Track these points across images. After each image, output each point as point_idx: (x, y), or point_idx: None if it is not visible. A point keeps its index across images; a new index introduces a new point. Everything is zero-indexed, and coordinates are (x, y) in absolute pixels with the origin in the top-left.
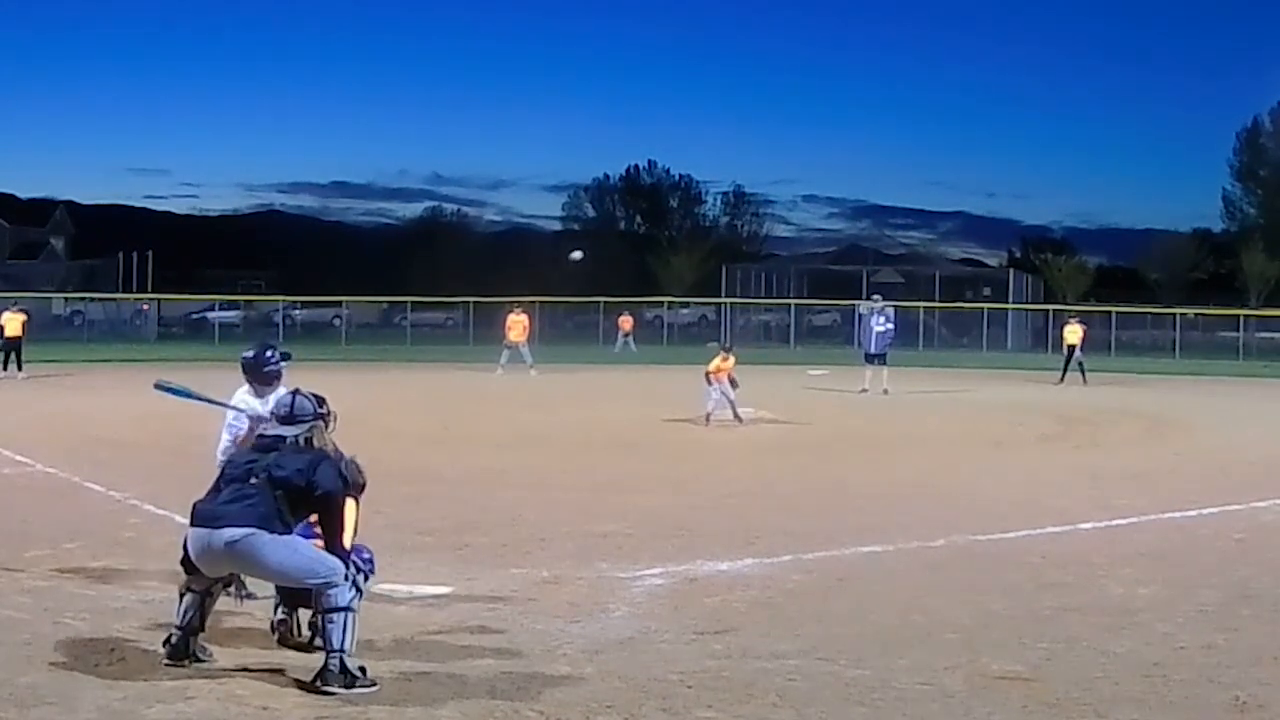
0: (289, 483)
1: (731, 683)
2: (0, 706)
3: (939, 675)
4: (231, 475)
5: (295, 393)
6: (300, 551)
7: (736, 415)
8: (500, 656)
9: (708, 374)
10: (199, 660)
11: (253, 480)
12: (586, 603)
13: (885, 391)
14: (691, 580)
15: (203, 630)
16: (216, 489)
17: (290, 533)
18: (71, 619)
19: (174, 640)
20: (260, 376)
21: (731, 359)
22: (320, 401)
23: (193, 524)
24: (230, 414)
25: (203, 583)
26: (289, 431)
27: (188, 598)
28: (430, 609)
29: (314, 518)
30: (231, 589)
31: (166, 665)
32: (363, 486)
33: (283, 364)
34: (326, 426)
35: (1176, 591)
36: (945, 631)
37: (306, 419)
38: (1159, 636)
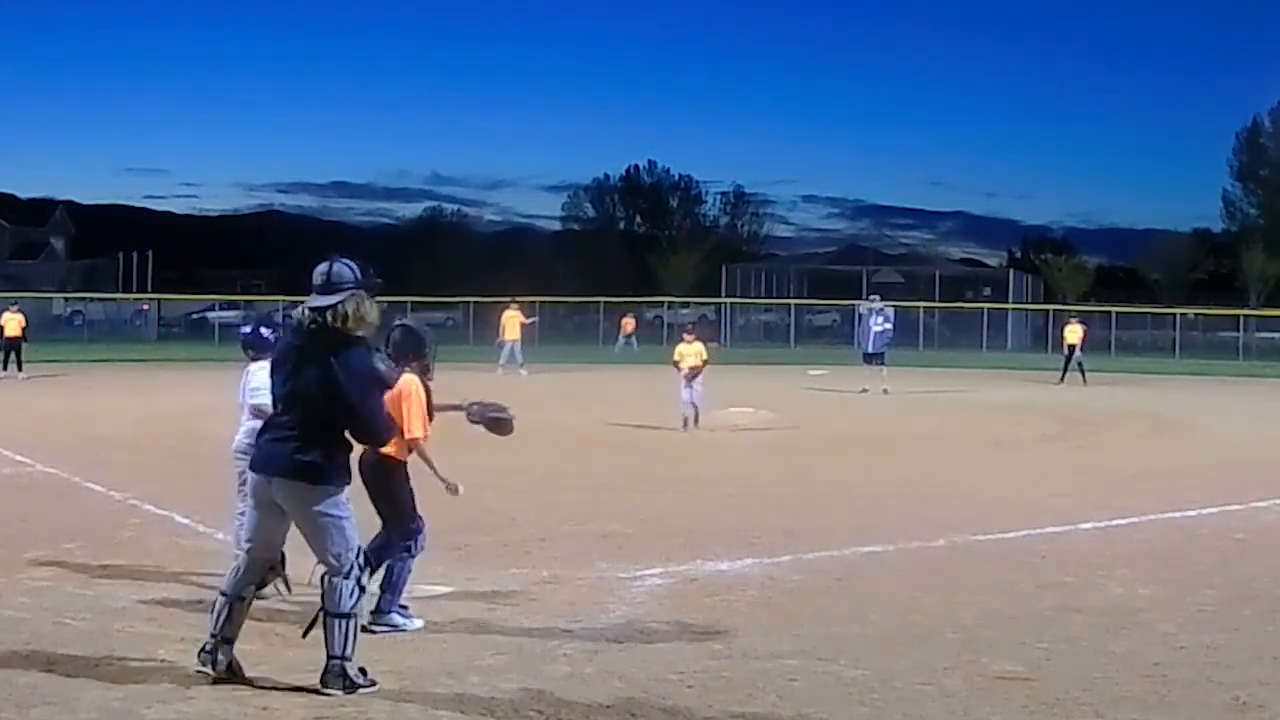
0: (323, 402)
1: (731, 683)
2: (0, 706)
3: (939, 675)
4: (281, 394)
5: (333, 259)
6: (342, 519)
7: (695, 420)
8: (500, 656)
9: (675, 364)
10: (232, 672)
11: (293, 410)
12: (586, 603)
13: (885, 391)
14: (691, 580)
15: (234, 639)
16: (275, 411)
17: (341, 486)
18: (71, 619)
19: (208, 648)
20: (253, 348)
21: (698, 343)
22: (364, 270)
23: (251, 467)
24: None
25: (235, 587)
26: (325, 301)
27: (219, 601)
28: (430, 609)
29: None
30: (267, 588)
31: (197, 672)
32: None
33: (261, 331)
34: (370, 295)
35: (1176, 591)
36: (945, 631)
37: (346, 285)
38: (1159, 636)
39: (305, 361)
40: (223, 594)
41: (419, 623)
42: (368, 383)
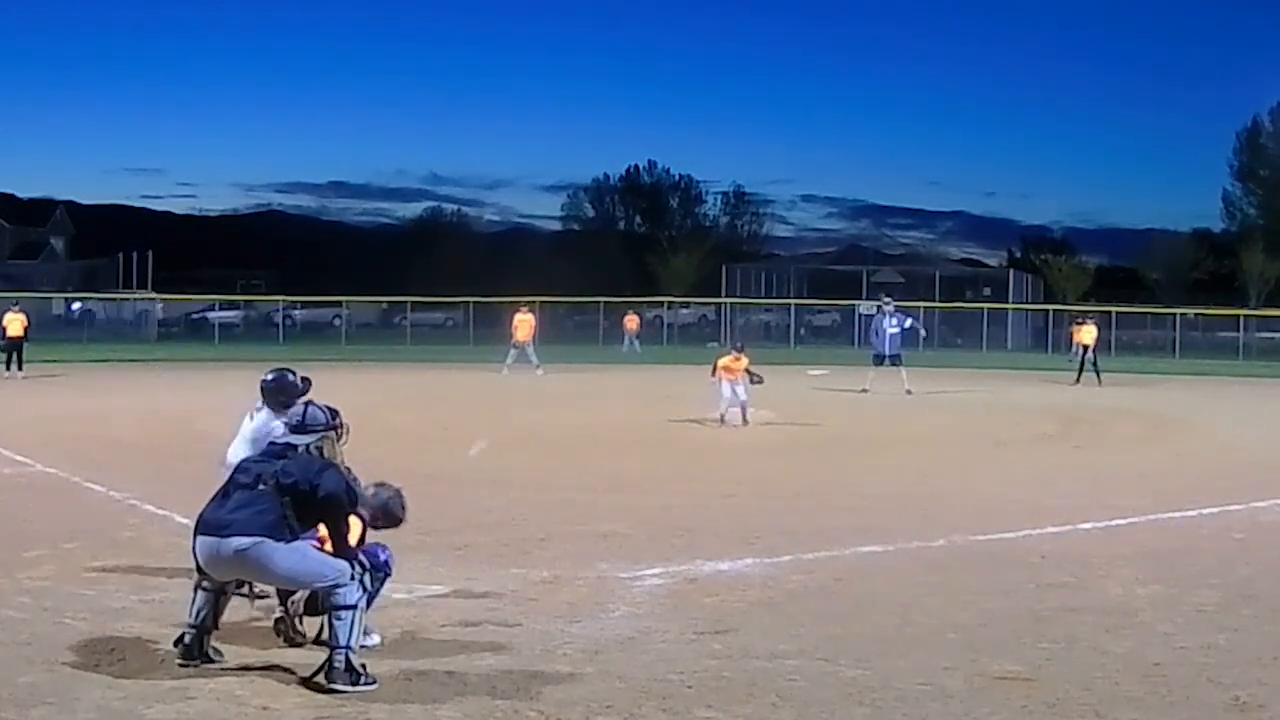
0: (296, 488)
1: (731, 683)
2: (0, 706)
3: (939, 675)
4: (240, 481)
5: (309, 404)
6: (308, 557)
7: (745, 418)
8: (500, 656)
9: (716, 369)
10: (210, 660)
11: (260, 486)
12: (586, 603)
13: (909, 392)
14: (691, 580)
15: (216, 629)
16: (225, 494)
17: (297, 539)
18: (71, 619)
19: (187, 640)
20: (278, 401)
21: (744, 359)
22: (334, 414)
23: (199, 532)
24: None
25: (216, 581)
26: (300, 440)
27: (200, 595)
28: (430, 609)
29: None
30: (245, 589)
31: (180, 665)
32: (399, 520)
33: (301, 386)
34: (339, 439)
35: (1176, 591)
36: (945, 631)
37: (318, 428)
38: (1159, 636)
39: (278, 459)
40: (204, 588)
41: (377, 638)
42: (337, 470)
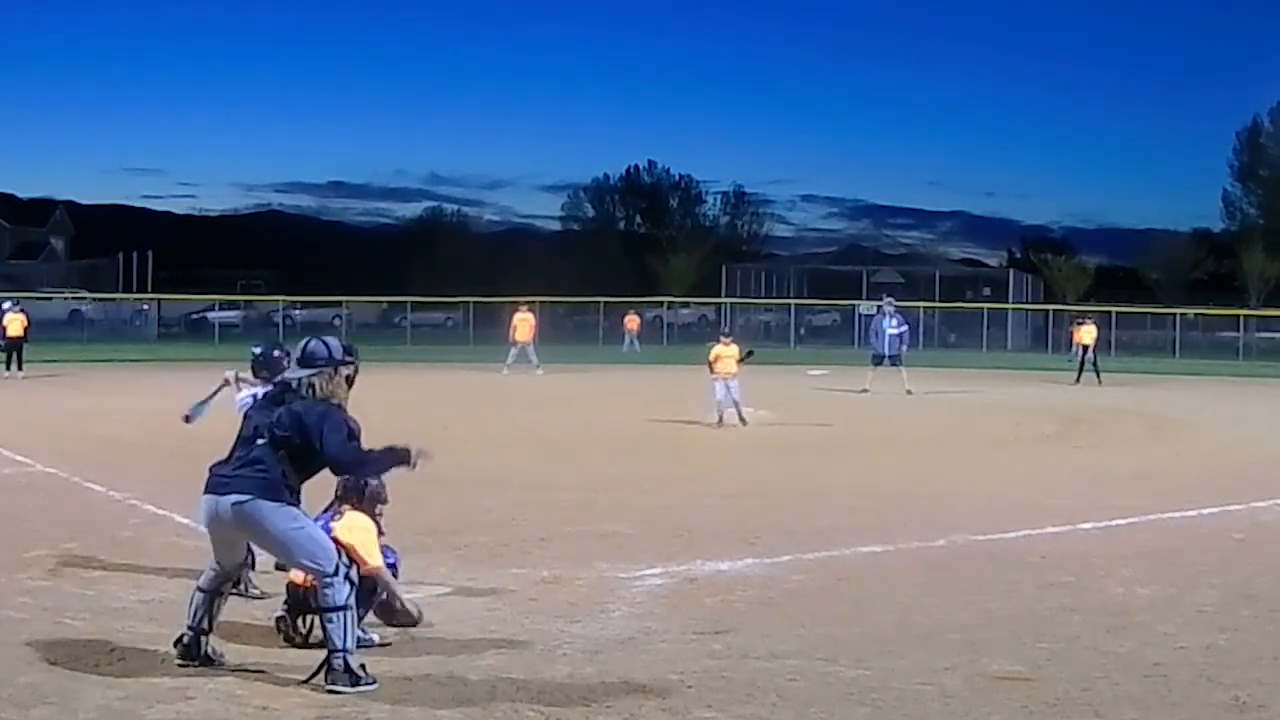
0: (290, 442)
1: (731, 683)
2: (0, 706)
3: (939, 675)
4: (243, 435)
5: (313, 337)
6: (305, 528)
7: (741, 418)
8: (500, 656)
9: (710, 364)
10: (210, 661)
11: (259, 440)
12: (586, 603)
13: (909, 392)
14: (691, 580)
15: (212, 631)
16: (231, 451)
17: (297, 505)
18: (71, 619)
19: (185, 640)
20: (273, 371)
21: (735, 346)
22: (348, 351)
23: (204, 491)
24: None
25: (213, 583)
26: (299, 374)
27: (197, 597)
28: (430, 609)
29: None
30: (241, 587)
31: (179, 665)
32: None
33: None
34: (347, 380)
35: (1176, 591)
36: (945, 631)
37: (319, 363)
38: (1159, 636)
39: (279, 404)
40: (200, 590)
41: (375, 638)
42: (333, 420)
